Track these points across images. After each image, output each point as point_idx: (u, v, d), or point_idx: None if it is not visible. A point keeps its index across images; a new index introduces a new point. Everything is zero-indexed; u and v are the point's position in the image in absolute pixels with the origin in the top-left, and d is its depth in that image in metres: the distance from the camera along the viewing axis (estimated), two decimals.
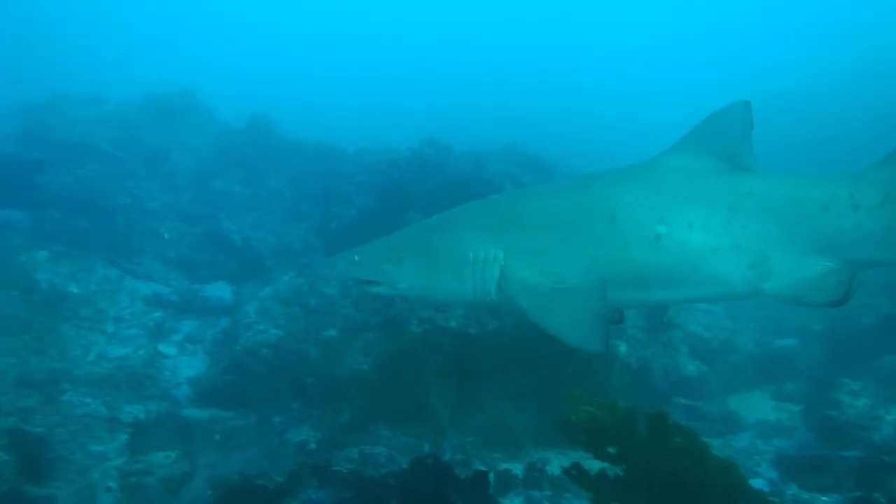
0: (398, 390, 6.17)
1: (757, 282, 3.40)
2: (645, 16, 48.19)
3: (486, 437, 6.20)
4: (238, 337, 7.46)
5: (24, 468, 4.87)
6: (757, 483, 4.93)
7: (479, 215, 3.89)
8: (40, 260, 8.64)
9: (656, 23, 46.89)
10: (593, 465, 3.47)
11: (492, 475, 4.62)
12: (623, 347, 6.70)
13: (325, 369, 6.36)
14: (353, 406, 6.13)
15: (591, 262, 3.49)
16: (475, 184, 9.10)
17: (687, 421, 6.03)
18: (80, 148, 11.64)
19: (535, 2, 49.03)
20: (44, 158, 10.92)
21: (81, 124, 13.26)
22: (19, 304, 7.75)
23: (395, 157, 9.84)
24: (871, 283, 7.91)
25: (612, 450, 3.36)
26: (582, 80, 36.68)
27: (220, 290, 8.90)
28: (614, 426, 3.37)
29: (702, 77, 37.24)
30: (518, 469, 5.37)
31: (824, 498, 4.90)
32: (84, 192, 10.49)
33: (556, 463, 5.78)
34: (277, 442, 5.80)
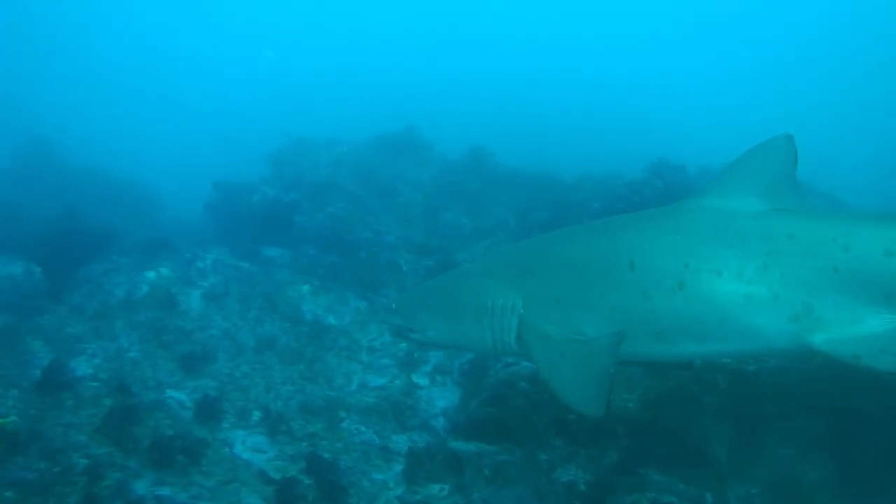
0: (669, 431, 5.82)
1: (802, 336, 3.02)
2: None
3: (773, 489, 5.62)
4: (487, 368, 7.58)
5: (324, 493, 5.30)
6: None
7: (502, 263, 3.85)
8: (304, 293, 9.57)
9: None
10: None
11: None
12: None
13: None
14: (621, 446, 5.88)
15: (610, 312, 3.27)
16: None
17: None
18: (327, 188, 12.89)
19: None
20: (299, 199, 12.23)
21: (325, 166, 14.69)
22: (292, 334, 8.64)
23: (632, 180, 9.54)
24: None
25: None
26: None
27: None
28: None
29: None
30: None
31: None
32: (333, 228, 11.51)
33: None
34: (545, 480, 5.73)
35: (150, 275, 8.94)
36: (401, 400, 7.52)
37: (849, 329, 2.93)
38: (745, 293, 3.06)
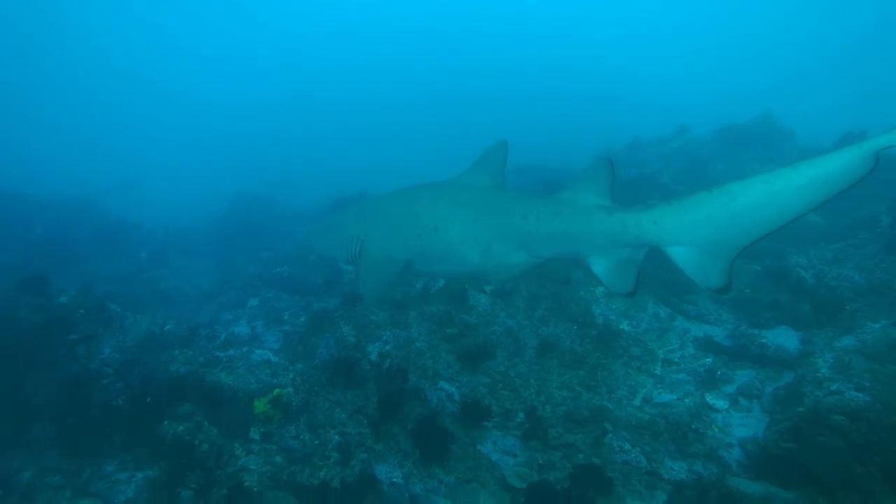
0: None
1: (485, 263, 5.00)
2: None
3: None
4: (804, 396, 6.20)
5: None
6: None
7: (359, 211, 6.22)
8: (597, 295, 9.16)
9: None
10: None
11: None
12: None
13: None
14: None
15: (404, 243, 5.46)
16: None
17: None
18: (641, 184, 12.20)
19: None
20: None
21: (652, 161, 13.99)
22: (576, 337, 8.31)
23: None
24: None
25: None
26: None
27: (783, 337, 7.72)
28: None
29: None
30: None
31: None
32: None
33: None
34: None
35: None
36: (685, 421, 6.61)
37: (503, 260, 4.87)
38: (463, 235, 5.03)
